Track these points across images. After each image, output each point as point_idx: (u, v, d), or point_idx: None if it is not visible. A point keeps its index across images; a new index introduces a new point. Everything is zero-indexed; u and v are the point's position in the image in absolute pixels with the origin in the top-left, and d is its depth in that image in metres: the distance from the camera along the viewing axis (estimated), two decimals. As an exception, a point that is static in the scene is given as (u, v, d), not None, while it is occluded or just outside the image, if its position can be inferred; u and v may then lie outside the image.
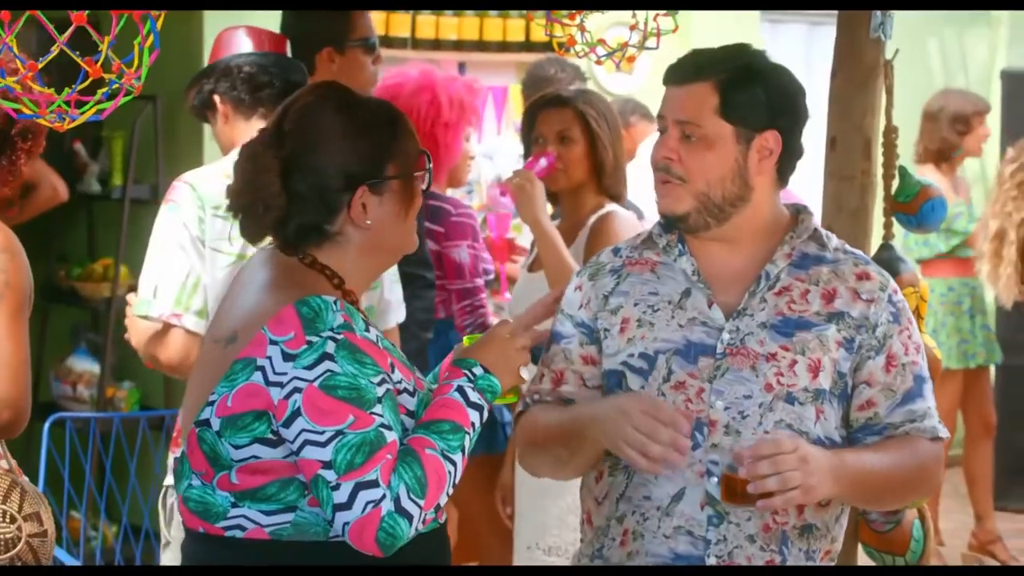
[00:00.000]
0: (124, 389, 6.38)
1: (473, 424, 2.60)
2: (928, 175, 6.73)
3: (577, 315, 2.97)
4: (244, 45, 3.84)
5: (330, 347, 2.50)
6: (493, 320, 4.59)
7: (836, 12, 3.90)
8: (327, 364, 2.49)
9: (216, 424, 2.56)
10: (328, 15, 4.24)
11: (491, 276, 5.11)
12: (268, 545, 2.57)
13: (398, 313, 3.96)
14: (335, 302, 2.54)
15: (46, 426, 4.83)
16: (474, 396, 2.62)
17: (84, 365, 6.44)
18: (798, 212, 3.01)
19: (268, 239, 2.72)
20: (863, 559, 3.99)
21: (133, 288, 6.10)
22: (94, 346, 6.48)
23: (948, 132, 7.01)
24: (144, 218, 6.44)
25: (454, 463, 2.55)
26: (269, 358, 2.51)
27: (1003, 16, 8.90)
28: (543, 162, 4.45)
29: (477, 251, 4.73)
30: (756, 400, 2.83)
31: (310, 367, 2.49)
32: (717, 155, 2.89)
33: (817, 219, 3.07)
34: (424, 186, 2.73)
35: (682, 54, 3.03)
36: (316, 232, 2.65)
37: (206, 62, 3.92)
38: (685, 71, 2.92)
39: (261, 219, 2.64)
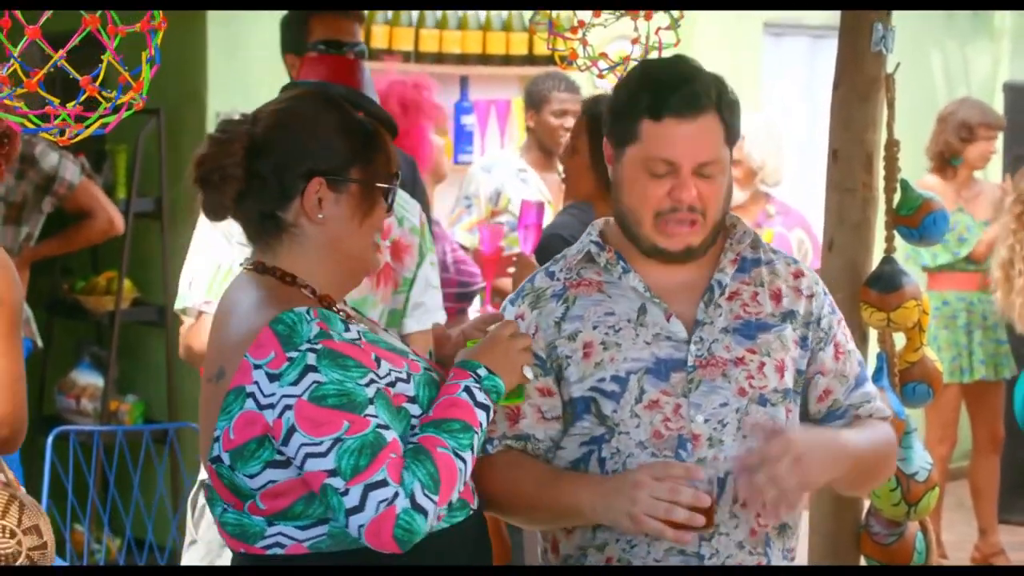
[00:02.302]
0: (128, 402, 6.39)
1: (481, 424, 2.61)
2: (931, 186, 6.73)
3: None
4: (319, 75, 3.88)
5: (311, 359, 2.50)
6: None
7: (838, 25, 3.91)
8: (312, 376, 2.50)
9: (226, 459, 2.57)
10: (286, 23, 4.30)
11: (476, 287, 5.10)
12: (309, 559, 2.58)
13: (435, 315, 4.02)
14: (308, 311, 2.55)
15: (50, 439, 4.83)
16: (481, 396, 2.62)
17: (88, 378, 6.44)
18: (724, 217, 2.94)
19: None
20: (866, 571, 4.00)
21: (137, 301, 6.07)
22: (98, 359, 6.48)
23: (952, 136, 7.01)
24: (148, 231, 6.47)
25: (465, 461, 2.56)
26: (256, 383, 2.52)
27: (1005, 29, 8.89)
28: (533, 211, 4.52)
29: None
30: (732, 406, 2.80)
31: (295, 382, 2.50)
32: (723, 181, 2.83)
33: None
34: (388, 205, 2.71)
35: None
36: (272, 221, 2.65)
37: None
38: (690, 102, 2.77)
39: (219, 189, 2.64)
